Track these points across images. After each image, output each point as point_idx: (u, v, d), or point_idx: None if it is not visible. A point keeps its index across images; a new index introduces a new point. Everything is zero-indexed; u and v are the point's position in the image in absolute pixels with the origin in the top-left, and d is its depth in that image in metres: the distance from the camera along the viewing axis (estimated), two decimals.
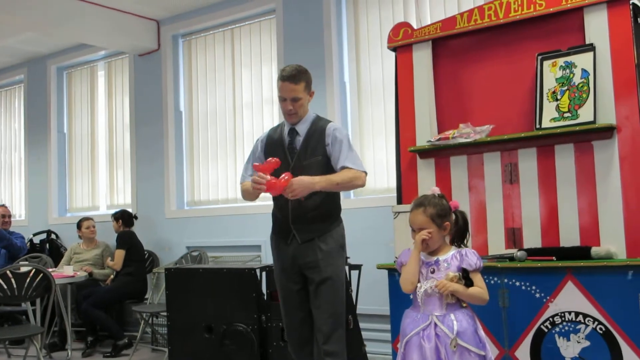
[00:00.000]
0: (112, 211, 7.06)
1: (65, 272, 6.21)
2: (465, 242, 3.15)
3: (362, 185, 3.63)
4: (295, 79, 3.57)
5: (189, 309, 4.92)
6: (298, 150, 3.63)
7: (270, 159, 3.40)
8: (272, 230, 3.77)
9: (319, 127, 3.66)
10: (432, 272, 3.03)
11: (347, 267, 4.03)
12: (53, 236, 8.02)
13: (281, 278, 3.70)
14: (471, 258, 3.01)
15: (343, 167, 3.54)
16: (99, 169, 8.04)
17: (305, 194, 3.36)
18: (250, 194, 3.61)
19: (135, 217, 7.01)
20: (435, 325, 2.95)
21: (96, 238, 7.07)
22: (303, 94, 3.61)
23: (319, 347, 3.55)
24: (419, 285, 3.04)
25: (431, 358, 2.92)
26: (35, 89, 8.57)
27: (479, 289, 3.00)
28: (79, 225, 7.00)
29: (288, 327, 3.74)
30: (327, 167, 3.59)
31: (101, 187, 8.02)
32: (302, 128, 3.67)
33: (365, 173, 3.63)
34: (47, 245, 7.91)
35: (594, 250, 3.66)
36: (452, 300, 2.98)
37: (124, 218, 6.86)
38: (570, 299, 3.60)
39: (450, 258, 3.04)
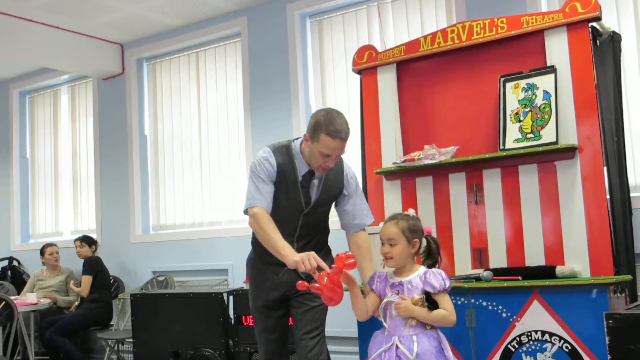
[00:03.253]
0: (76, 236, 6.94)
1: (28, 299, 6.08)
2: (437, 266, 3.12)
3: None
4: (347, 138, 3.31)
5: (155, 335, 4.86)
6: (317, 198, 3.46)
7: (338, 264, 2.89)
8: (259, 259, 3.54)
9: (335, 170, 3.48)
10: (397, 294, 3.02)
11: None
12: (15, 263, 7.86)
13: (265, 306, 3.54)
14: (434, 280, 2.98)
15: (360, 225, 3.60)
16: (63, 194, 7.93)
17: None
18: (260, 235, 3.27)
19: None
20: (397, 347, 2.95)
21: (60, 264, 6.95)
22: None
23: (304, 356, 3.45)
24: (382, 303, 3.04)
25: None
26: None
27: (443, 311, 2.97)
28: (42, 251, 6.89)
29: (265, 344, 3.58)
30: (329, 211, 3.62)
31: (65, 212, 7.91)
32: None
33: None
34: (10, 272, 7.75)
35: (559, 269, 3.69)
36: (413, 323, 2.98)
37: (95, 243, 6.79)
38: (537, 318, 3.62)
39: (415, 279, 3.03)
